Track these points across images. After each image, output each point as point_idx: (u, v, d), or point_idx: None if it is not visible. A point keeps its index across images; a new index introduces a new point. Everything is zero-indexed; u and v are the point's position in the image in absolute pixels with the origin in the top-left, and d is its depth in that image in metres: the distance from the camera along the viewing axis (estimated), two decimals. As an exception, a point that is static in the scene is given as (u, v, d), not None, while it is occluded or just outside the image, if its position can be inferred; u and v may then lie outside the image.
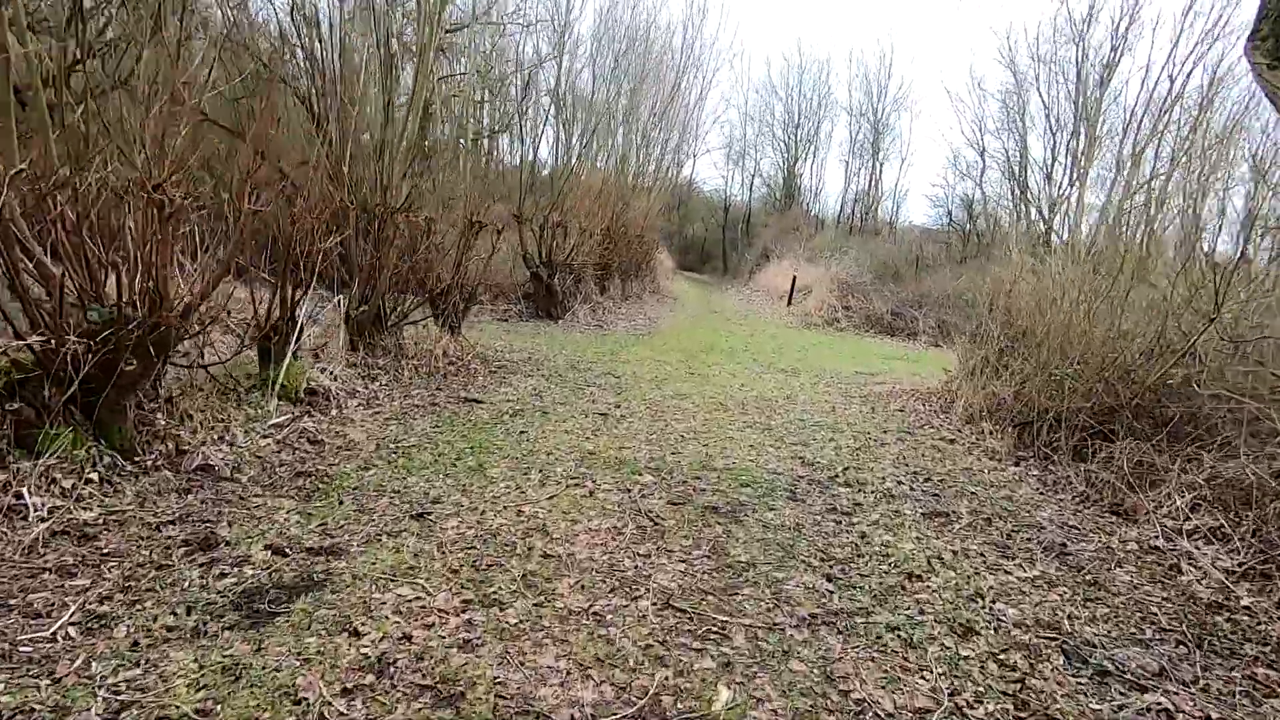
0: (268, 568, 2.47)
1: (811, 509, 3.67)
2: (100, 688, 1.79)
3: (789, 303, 17.21)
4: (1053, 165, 25.32)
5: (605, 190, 12.16)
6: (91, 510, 2.66)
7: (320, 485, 3.30)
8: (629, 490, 3.67)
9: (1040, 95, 24.82)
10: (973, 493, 4.23)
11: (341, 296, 5.26)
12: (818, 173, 33.52)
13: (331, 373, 4.81)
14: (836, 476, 4.29)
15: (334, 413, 4.36)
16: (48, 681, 1.79)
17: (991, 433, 5.71)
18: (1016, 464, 5.03)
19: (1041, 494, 4.38)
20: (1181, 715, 2.15)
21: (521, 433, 4.66)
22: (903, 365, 10.48)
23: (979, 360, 6.95)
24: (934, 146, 47.16)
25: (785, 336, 12.71)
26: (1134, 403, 4.76)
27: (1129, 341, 4.92)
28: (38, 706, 1.71)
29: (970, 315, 15.71)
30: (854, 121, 31.36)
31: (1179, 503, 3.72)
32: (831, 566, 2.97)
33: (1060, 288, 5.74)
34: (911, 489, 4.20)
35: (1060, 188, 24.86)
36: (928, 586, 2.86)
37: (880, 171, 31.23)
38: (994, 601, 2.79)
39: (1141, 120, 22.30)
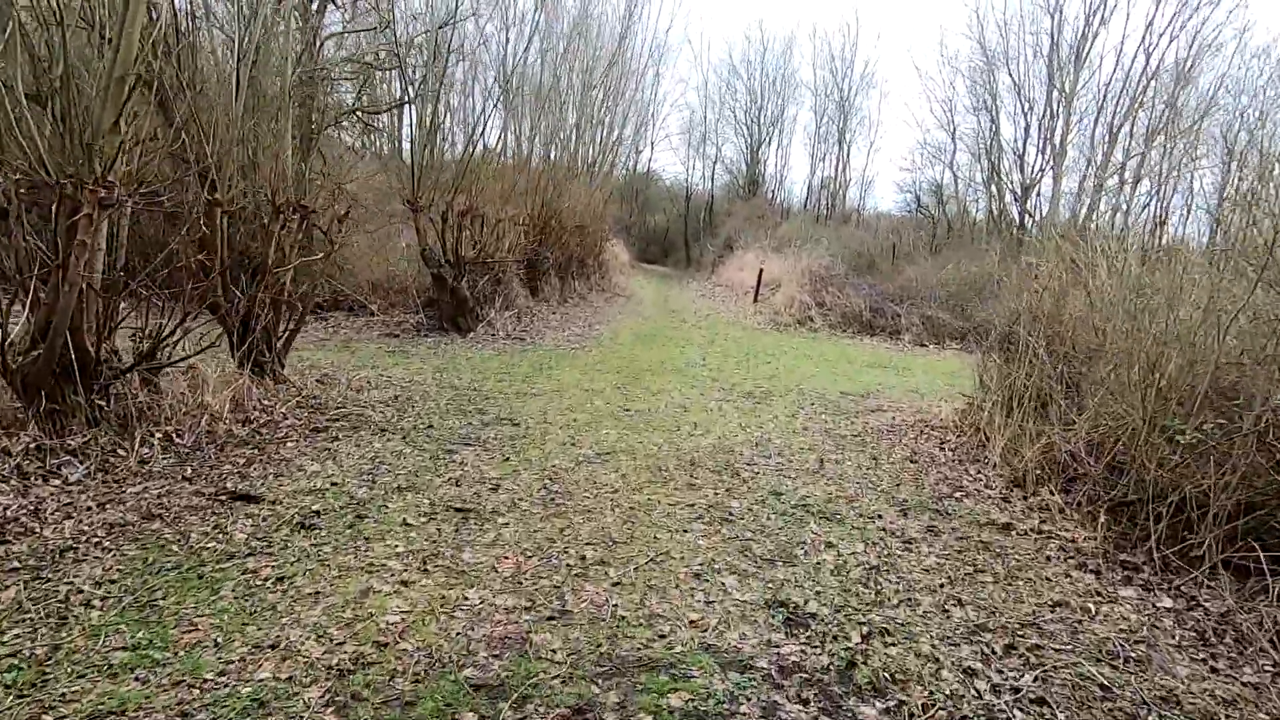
0: None
1: (817, 816, 1.66)
2: None
3: (755, 299, 15.30)
4: (1025, 146, 24.03)
5: (531, 171, 10.03)
6: None
7: None
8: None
9: (1010, 73, 23.50)
10: (1104, 687, 2.27)
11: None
12: (782, 158, 31.71)
13: (-59, 475, 2.63)
14: (854, 662, 2.29)
15: None
16: None
17: (1063, 510, 3.80)
18: (1127, 582, 3.10)
19: (1212, 668, 2.44)
20: None
21: (279, 580, 2.56)
22: (894, 378, 8.60)
23: (1015, 385, 5.06)
24: (903, 129, 45.64)
25: (752, 342, 10.76)
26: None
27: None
28: None
29: (962, 312, 13.99)
30: (819, 102, 29.61)
31: None
32: None
33: (1162, 291, 3.83)
34: (996, 686, 2.22)
35: (1033, 169, 23.59)
36: None
37: (848, 155, 29.55)
38: None
39: (1120, 96, 21.03)
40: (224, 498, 3.21)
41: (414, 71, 10.34)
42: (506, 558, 2.88)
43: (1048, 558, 3.31)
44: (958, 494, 4.21)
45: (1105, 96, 21.28)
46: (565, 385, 6.38)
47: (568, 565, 2.85)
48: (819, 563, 3.06)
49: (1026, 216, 23.04)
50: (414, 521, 3.18)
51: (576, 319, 10.68)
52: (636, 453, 4.51)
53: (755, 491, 3.96)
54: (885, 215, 28.60)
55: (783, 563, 3.04)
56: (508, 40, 10.87)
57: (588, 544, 3.08)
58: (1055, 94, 22.30)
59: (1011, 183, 23.65)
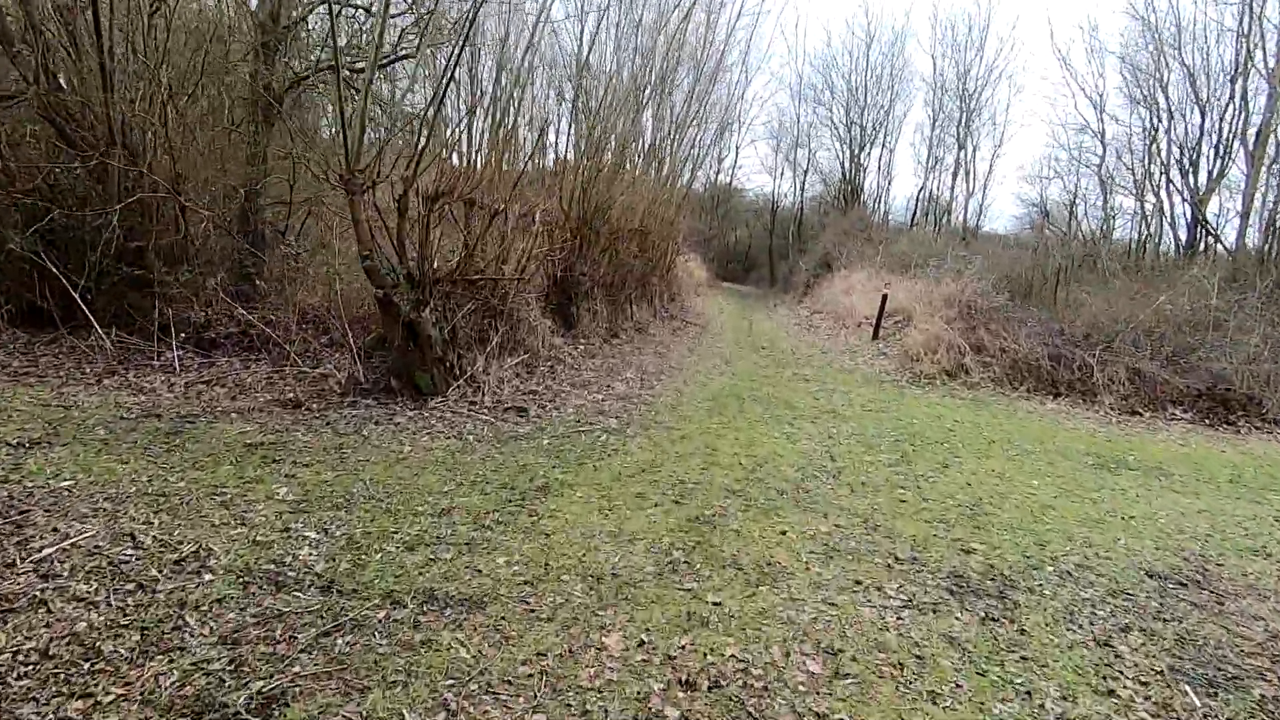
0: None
1: None
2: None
3: (876, 334, 11.40)
4: (1198, 153, 18.96)
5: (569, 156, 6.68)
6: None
7: None
8: None
9: (1183, 60, 18.55)
10: None
11: None
12: (886, 165, 27.32)
13: None
14: None
15: None
16: None
17: None
18: None
19: None
20: None
21: None
22: (1174, 499, 4.63)
23: None
24: (1027, 133, 39.60)
25: (898, 414, 6.93)
26: None
27: None
28: None
29: (1178, 365, 9.49)
30: (936, 100, 25.21)
31: None
32: None
33: None
34: None
35: (1207, 177, 18.57)
36: None
37: (972, 160, 24.97)
38: None
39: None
40: None
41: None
42: None
43: None
44: None
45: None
46: (559, 551, 2.87)
47: None
48: None
49: (1200, 232, 18.04)
50: None
51: (626, 366, 7.18)
52: None
53: None
54: (1011, 233, 23.96)
55: None
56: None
57: None
58: (1250, 80, 17.25)
59: (1184, 193, 18.66)
